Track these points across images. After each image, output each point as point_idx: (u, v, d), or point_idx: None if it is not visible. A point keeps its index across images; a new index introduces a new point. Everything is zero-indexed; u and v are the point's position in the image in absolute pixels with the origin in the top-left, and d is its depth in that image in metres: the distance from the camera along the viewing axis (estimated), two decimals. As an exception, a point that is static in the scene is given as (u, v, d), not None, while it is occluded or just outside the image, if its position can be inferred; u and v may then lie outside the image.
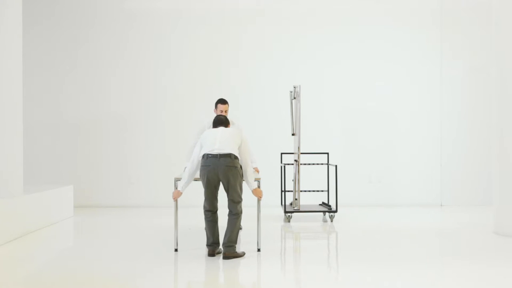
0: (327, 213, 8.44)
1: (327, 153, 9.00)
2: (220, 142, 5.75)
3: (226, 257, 5.71)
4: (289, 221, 8.12)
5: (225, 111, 6.78)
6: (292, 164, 8.60)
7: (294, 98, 8.37)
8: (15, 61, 7.23)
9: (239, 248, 6.07)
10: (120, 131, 9.96)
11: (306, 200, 9.02)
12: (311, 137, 9.64)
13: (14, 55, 7.21)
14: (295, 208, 8.21)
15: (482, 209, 9.18)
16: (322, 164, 8.79)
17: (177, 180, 6.08)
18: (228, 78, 9.97)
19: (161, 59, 10.00)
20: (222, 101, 6.86)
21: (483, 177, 9.77)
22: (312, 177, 9.33)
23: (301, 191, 8.53)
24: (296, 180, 8.29)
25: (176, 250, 6.06)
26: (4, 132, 7.00)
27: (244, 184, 5.90)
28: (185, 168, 6.19)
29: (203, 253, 5.95)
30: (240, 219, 5.85)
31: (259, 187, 5.91)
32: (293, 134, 8.39)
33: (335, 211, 8.10)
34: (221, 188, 5.85)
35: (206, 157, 5.72)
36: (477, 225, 7.90)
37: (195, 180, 6.05)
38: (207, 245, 5.90)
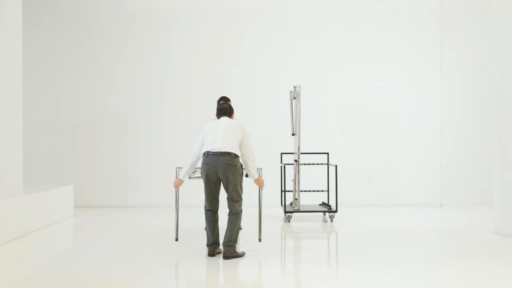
0: (327, 213, 8.44)
1: (327, 153, 9.00)
2: (221, 138, 5.75)
3: (226, 257, 5.71)
4: (289, 221, 8.12)
5: None
6: (292, 164, 8.60)
7: (294, 98, 8.37)
8: (15, 61, 7.23)
9: (239, 248, 6.07)
10: (120, 131, 9.96)
11: (306, 200, 9.04)
12: (311, 137, 9.65)
13: (14, 55, 7.21)
14: (295, 208, 8.21)
15: (482, 209, 9.19)
16: (322, 164, 8.79)
17: (178, 168, 6.28)
18: (228, 78, 9.97)
19: (161, 59, 10.00)
20: (224, 99, 6.89)
21: (483, 177, 9.77)
22: (312, 177, 9.34)
23: (301, 191, 8.53)
24: (296, 180, 8.29)
25: (176, 239, 6.14)
26: (4, 132, 7.00)
27: (244, 184, 5.90)
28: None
29: (203, 253, 5.95)
30: (240, 218, 5.85)
31: (260, 176, 6.05)
32: (293, 134, 8.39)
33: (335, 211, 8.10)
34: (223, 189, 5.86)
35: (207, 155, 5.74)
36: (477, 225, 7.91)
37: (196, 178, 6.27)
38: (207, 245, 5.90)
